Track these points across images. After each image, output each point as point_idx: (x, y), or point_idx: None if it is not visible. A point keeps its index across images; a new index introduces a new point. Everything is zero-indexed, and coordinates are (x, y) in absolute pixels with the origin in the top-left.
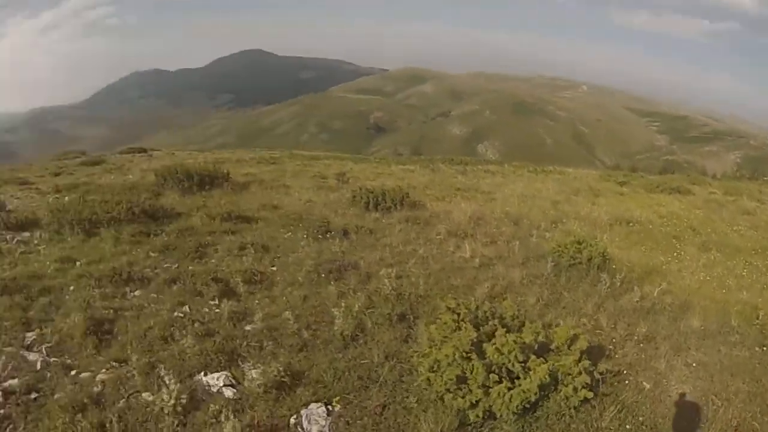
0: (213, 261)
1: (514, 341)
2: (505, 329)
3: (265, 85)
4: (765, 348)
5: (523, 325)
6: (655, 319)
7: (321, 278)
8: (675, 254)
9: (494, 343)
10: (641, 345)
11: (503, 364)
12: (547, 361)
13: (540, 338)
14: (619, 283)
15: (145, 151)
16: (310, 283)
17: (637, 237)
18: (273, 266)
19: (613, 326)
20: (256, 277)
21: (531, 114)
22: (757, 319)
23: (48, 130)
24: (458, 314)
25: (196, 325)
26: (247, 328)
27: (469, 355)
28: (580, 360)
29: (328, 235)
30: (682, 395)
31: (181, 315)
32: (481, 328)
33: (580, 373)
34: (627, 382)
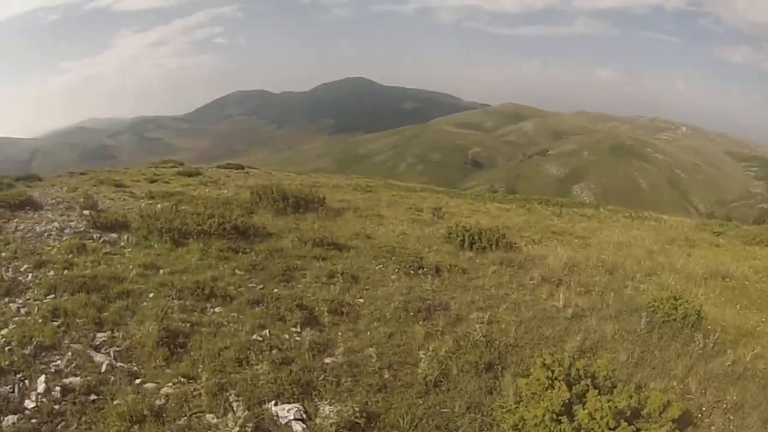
0: (300, 286)
1: (609, 407)
2: (596, 390)
3: (366, 112)
4: None
5: (615, 387)
6: (745, 385)
7: (409, 316)
8: None
9: (587, 408)
10: (729, 415)
11: (593, 429)
12: (638, 430)
13: (632, 403)
14: (711, 345)
15: (242, 167)
16: (397, 321)
17: (731, 294)
18: (360, 298)
19: (702, 392)
20: (342, 308)
21: (628, 156)
22: None
23: (149, 138)
24: (552, 371)
25: (273, 351)
26: (327, 360)
27: (559, 417)
28: (671, 431)
29: (420, 271)
30: None
31: (260, 339)
32: (573, 387)
33: None
34: None
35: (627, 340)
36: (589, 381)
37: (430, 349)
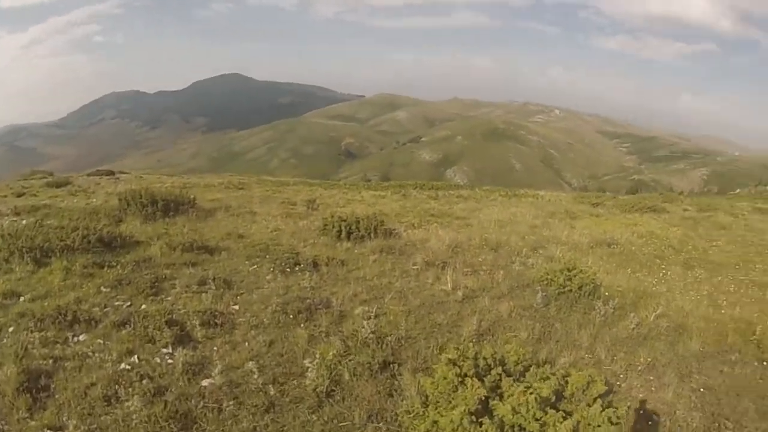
0: (169, 299)
1: (534, 398)
2: (510, 378)
3: (241, 109)
4: (765, 363)
5: (528, 370)
6: (654, 345)
7: (289, 319)
8: (661, 275)
9: (508, 402)
10: (644, 376)
11: (519, 423)
12: (568, 414)
13: (554, 385)
14: (612, 310)
15: (113, 173)
16: (277, 326)
17: (619, 259)
18: (235, 305)
19: (612, 358)
20: (215, 319)
21: (502, 139)
22: (754, 335)
23: (21, 147)
24: (459, 366)
25: (144, 381)
26: (204, 383)
27: (480, 420)
28: (603, 409)
29: (296, 268)
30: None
31: (129, 367)
32: (484, 379)
33: (606, 422)
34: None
35: (525, 316)
36: (500, 369)
37: (317, 354)
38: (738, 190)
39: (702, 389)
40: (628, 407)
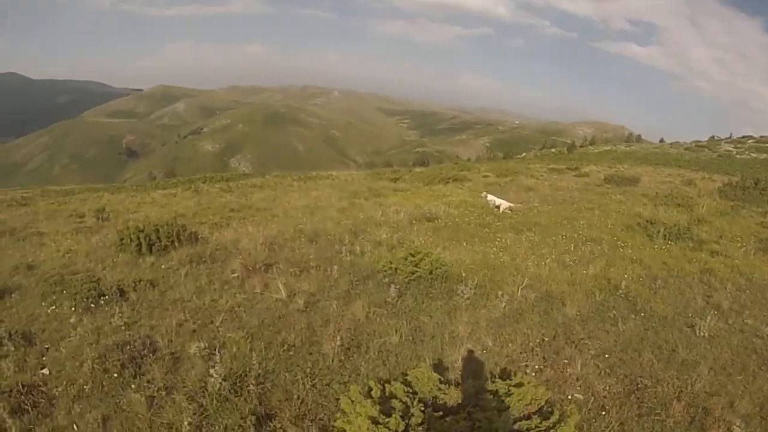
0: None
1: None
2: (433, 409)
3: (17, 113)
4: (642, 314)
5: (446, 394)
6: (532, 319)
7: (114, 378)
8: (498, 243)
9: None
10: (542, 354)
11: None
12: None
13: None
14: (473, 291)
15: None
16: (102, 391)
17: (447, 233)
18: (43, 368)
19: (500, 343)
20: (27, 399)
21: (283, 123)
22: (618, 289)
23: None
24: (375, 421)
25: None
26: None
27: None
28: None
29: (101, 301)
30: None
31: None
32: (408, 421)
33: None
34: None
35: (384, 315)
36: (416, 402)
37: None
38: (524, 154)
39: (602, 354)
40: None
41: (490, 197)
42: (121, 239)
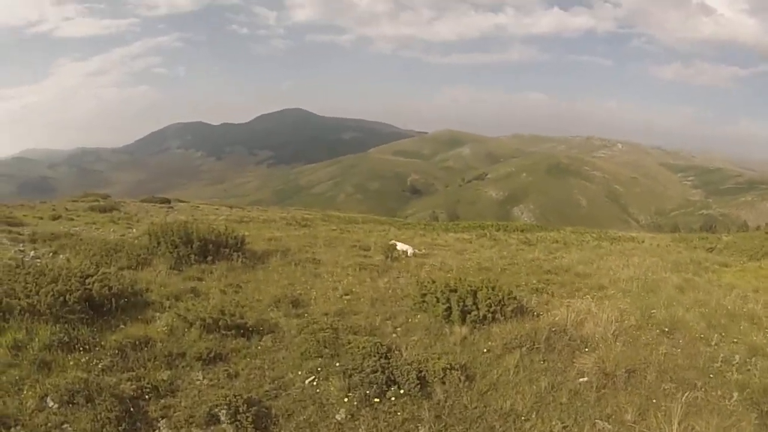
0: None
1: None
2: None
3: (305, 144)
4: None
5: None
6: None
7: None
8: None
9: None
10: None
11: None
12: None
13: None
14: None
15: (168, 201)
16: None
17: None
18: None
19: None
20: None
21: (566, 175)
22: None
23: (88, 170)
24: None
25: None
26: None
27: None
28: None
29: (390, 392)
30: None
31: None
32: None
33: None
34: None
35: None
36: None
37: None
38: None
39: None
40: None
41: None
42: (423, 295)
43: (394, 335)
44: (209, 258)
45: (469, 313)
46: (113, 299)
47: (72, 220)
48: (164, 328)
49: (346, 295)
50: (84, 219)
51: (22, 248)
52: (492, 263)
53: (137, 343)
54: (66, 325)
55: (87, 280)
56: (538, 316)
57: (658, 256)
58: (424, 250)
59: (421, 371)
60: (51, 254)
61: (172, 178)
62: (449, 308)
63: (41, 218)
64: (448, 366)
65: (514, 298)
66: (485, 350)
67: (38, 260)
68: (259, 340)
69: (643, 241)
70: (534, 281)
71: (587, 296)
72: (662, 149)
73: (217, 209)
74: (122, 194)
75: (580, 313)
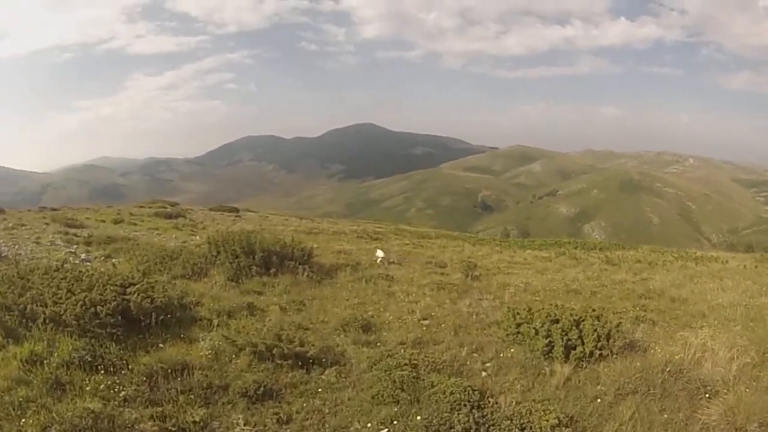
0: None
1: None
2: None
3: (376, 158)
4: None
5: None
6: None
7: None
8: None
9: None
10: None
11: None
12: None
13: None
14: None
15: (236, 210)
16: None
17: None
18: None
19: None
20: None
21: (637, 191)
22: None
23: (159, 179)
24: None
25: None
26: None
27: None
28: None
29: None
30: None
31: None
32: None
33: None
34: None
35: None
36: None
37: None
38: None
39: None
40: None
41: None
42: (518, 325)
43: (484, 374)
44: (272, 270)
45: (574, 349)
46: (153, 313)
47: (134, 224)
48: (207, 353)
49: (425, 319)
50: (147, 224)
51: (73, 250)
52: (579, 285)
53: (172, 369)
54: (92, 340)
55: (128, 290)
56: (645, 351)
57: (750, 279)
58: (503, 268)
59: (524, 427)
60: (103, 258)
61: (242, 190)
62: (551, 343)
63: (103, 221)
64: (557, 422)
65: (619, 328)
66: (595, 397)
67: (88, 263)
68: (321, 374)
69: (727, 262)
70: (629, 307)
71: (692, 326)
72: (734, 164)
73: (286, 220)
74: (192, 203)
75: (691, 347)
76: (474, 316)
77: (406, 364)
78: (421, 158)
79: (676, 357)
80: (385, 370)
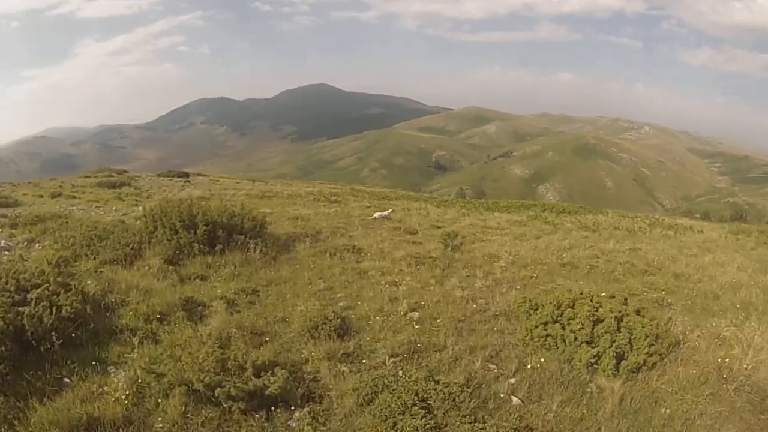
0: None
1: None
2: None
3: (329, 119)
4: None
5: None
6: None
7: None
8: None
9: None
10: None
11: None
12: None
13: None
14: None
15: (186, 175)
16: None
17: None
18: None
19: None
20: None
21: (593, 156)
22: None
23: (111, 146)
24: None
25: None
26: None
27: None
28: None
29: None
30: None
31: None
32: None
33: None
34: None
35: None
36: None
37: None
38: None
39: None
40: None
41: None
42: (545, 325)
43: (515, 400)
44: (218, 247)
45: (624, 358)
46: (55, 332)
47: (74, 197)
48: (125, 393)
49: (413, 311)
50: (88, 196)
51: None
52: (572, 257)
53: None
54: None
55: (29, 295)
56: (693, 351)
57: (739, 253)
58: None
59: None
60: (26, 243)
61: (194, 154)
62: (599, 353)
63: (41, 196)
64: None
65: (667, 329)
66: (663, 426)
67: (6, 252)
68: (289, 419)
69: (702, 231)
70: (638, 285)
71: (716, 312)
72: (690, 134)
73: (237, 183)
74: (144, 170)
75: (735, 345)
76: (472, 304)
77: (414, 404)
78: (374, 119)
79: (727, 360)
80: (385, 417)
